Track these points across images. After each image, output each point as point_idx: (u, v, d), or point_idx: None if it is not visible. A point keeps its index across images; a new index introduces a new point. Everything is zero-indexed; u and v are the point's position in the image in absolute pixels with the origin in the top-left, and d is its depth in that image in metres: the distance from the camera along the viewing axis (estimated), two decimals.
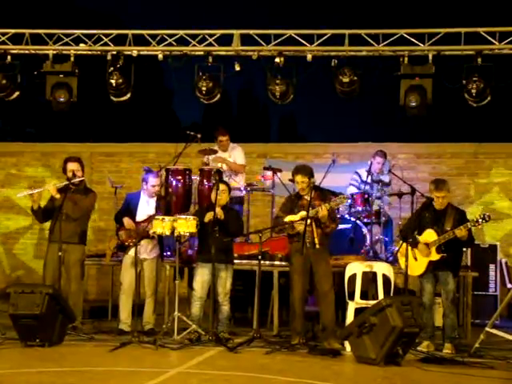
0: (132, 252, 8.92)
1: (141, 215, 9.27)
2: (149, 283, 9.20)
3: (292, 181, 10.40)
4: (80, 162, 9.29)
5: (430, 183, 8.76)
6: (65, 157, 9.54)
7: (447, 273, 8.50)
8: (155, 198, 9.34)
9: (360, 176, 10.90)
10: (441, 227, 8.47)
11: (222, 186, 8.96)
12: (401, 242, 8.74)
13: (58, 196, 9.00)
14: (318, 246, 8.43)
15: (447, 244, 8.39)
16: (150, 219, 9.11)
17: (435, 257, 8.43)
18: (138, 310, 8.72)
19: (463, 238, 8.36)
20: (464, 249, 9.57)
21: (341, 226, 9.66)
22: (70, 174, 9.10)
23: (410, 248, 8.50)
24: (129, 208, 9.36)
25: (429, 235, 8.48)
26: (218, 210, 8.68)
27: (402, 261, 8.62)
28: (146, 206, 9.31)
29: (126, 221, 9.20)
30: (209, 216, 8.69)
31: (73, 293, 9.06)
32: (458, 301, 9.54)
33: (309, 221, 8.36)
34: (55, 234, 8.92)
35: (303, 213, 8.45)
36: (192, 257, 9.73)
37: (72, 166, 9.17)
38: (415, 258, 8.52)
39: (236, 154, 10.91)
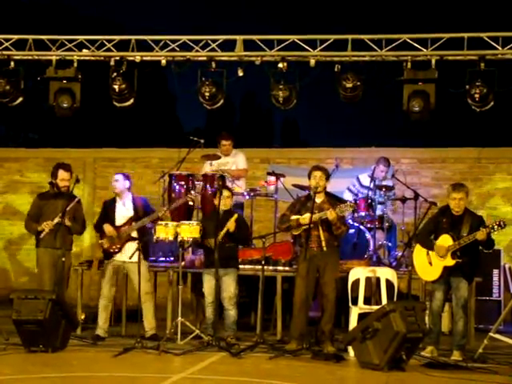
0: (115, 257, 9.02)
1: (120, 219, 9.20)
2: (142, 286, 8.81)
3: (297, 186, 10.42)
4: (71, 170, 9.26)
5: (449, 186, 8.68)
6: (69, 162, 9.52)
7: (460, 279, 8.37)
8: (131, 199, 9.25)
9: (360, 181, 10.87)
10: (457, 233, 8.29)
11: (225, 192, 8.98)
12: (415, 245, 8.62)
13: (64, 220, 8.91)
14: (325, 249, 8.45)
15: (463, 250, 8.25)
16: (129, 222, 9.09)
17: (450, 262, 8.26)
18: (133, 315, 8.78)
19: (483, 241, 8.23)
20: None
21: None
22: (61, 184, 9.08)
23: (425, 252, 8.45)
24: (107, 214, 9.29)
25: (445, 240, 8.33)
26: (230, 224, 8.69)
27: (416, 263, 8.55)
28: (122, 208, 9.24)
29: (107, 227, 9.12)
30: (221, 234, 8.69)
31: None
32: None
33: (316, 219, 8.36)
34: (47, 240, 8.93)
35: (309, 215, 8.41)
36: (194, 262, 9.72)
37: (65, 176, 9.14)
38: (430, 263, 8.39)
39: (238, 159, 10.89)
